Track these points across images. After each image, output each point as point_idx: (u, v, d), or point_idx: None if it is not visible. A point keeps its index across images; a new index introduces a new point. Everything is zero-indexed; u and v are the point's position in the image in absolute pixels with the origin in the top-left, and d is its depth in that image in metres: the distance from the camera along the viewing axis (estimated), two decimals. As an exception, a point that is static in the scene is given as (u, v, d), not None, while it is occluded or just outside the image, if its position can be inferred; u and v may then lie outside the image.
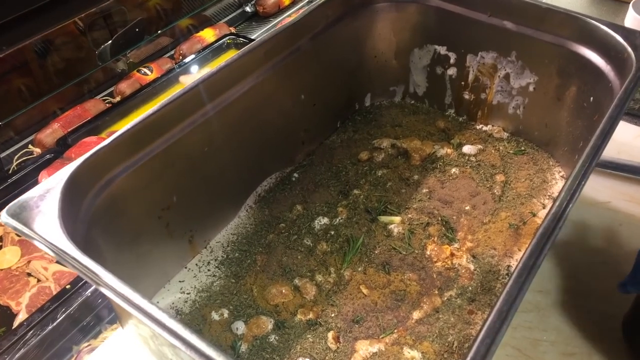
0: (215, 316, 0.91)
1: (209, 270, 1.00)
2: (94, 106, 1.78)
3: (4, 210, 0.68)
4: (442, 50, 1.22)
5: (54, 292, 1.32)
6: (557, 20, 1.05)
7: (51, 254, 0.64)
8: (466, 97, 1.25)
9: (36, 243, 0.65)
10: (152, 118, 0.85)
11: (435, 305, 0.91)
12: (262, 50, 1.01)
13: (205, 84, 0.92)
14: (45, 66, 1.85)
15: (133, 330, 0.79)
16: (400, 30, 1.23)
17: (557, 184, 1.10)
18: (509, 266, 0.97)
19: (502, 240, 1.00)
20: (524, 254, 0.66)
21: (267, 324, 0.90)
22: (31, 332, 1.22)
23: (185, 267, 1.00)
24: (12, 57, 1.76)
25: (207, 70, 0.90)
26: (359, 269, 0.98)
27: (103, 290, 0.61)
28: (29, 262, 1.43)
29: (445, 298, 0.93)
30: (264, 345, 0.87)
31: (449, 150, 1.19)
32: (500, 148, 1.19)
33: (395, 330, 0.89)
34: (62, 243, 0.64)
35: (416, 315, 0.90)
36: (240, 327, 0.89)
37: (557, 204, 0.71)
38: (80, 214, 0.73)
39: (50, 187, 0.70)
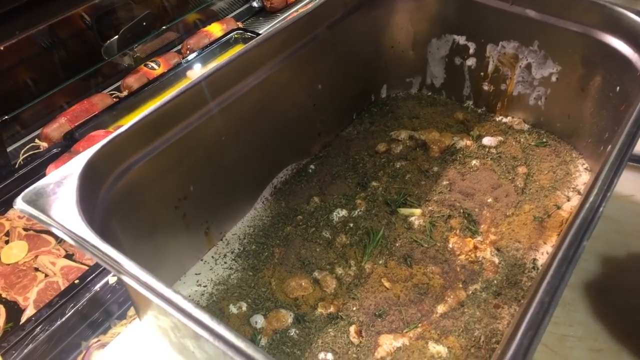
0: (233, 309, 0.88)
1: (225, 262, 0.97)
2: (101, 100, 1.76)
3: (20, 197, 0.65)
4: (461, 40, 1.20)
5: (62, 287, 1.30)
6: (582, 8, 1.02)
7: (70, 241, 0.61)
8: (485, 88, 1.22)
9: (54, 230, 0.62)
10: (169, 106, 0.82)
11: (460, 299, 0.89)
12: (279, 39, 0.98)
13: (221, 72, 0.90)
14: (52, 60, 1.83)
15: (152, 322, 0.76)
16: (418, 20, 1.21)
17: (581, 176, 1.07)
18: (534, 259, 0.94)
19: (526, 233, 0.98)
20: (562, 244, 0.63)
21: (287, 317, 0.87)
22: (39, 327, 1.20)
23: (201, 260, 0.98)
24: (20, 51, 1.74)
25: (215, 65, 0.88)
26: (380, 262, 0.96)
27: (125, 278, 0.58)
28: (36, 256, 1.41)
29: (470, 292, 0.90)
30: (284, 340, 0.85)
31: (469, 142, 1.16)
32: (522, 140, 1.16)
33: (420, 325, 0.86)
34: (81, 230, 0.61)
35: (441, 309, 0.88)
36: (259, 320, 0.86)
37: (594, 192, 0.68)
38: (98, 201, 0.71)
39: (67, 174, 0.68)
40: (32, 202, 0.64)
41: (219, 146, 0.94)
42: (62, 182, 0.67)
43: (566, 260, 0.62)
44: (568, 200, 1.03)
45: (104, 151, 0.72)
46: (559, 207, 1.01)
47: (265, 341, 0.85)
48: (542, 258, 0.94)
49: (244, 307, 0.89)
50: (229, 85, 0.93)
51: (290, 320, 0.87)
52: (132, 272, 0.58)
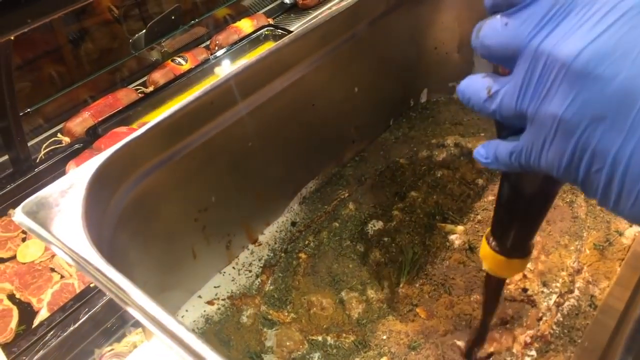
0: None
1: (249, 271, 0.90)
2: (126, 95, 1.71)
3: (20, 207, 0.58)
4: (513, 42, 1.09)
5: (78, 290, 1.26)
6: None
7: (71, 262, 0.53)
8: (537, 95, 1.11)
9: (54, 249, 0.54)
10: (192, 107, 0.74)
11: (505, 346, 0.78)
12: (316, 35, 0.89)
13: (251, 70, 0.81)
14: (78, 53, 1.79)
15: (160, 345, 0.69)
16: (466, 19, 1.10)
17: (646, 197, 0.96)
18: (592, 296, 0.83)
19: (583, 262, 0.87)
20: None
21: (305, 341, 0.79)
22: (51, 332, 1.15)
23: (221, 272, 0.90)
24: (45, 42, 1.70)
25: (244, 61, 0.79)
26: (416, 285, 0.86)
27: (131, 310, 0.50)
28: (53, 256, 1.37)
29: (516, 332, 0.79)
30: (307, 369, 0.76)
31: (520, 155, 1.05)
32: (577, 154, 1.05)
33: (459, 364, 0.76)
34: (86, 251, 0.54)
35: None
36: (271, 338, 0.78)
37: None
38: (107, 215, 0.63)
39: (73, 182, 0.60)
40: (32, 213, 0.57)
41: (246, 152, 0.86)
42: (67, 192, 0.59)
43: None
44: (630, 226, 0.91)
45: (117, 156, 0.64)
46: (620, 234, 0.90)
47: (287, 371, 0.76)
48: (600, 295, 0.82)
49: (259, 323, 0.81)
50: (260, 86, 0.84)
51: (311, 344, 0.78)
52: (139, 303, 0.50)
